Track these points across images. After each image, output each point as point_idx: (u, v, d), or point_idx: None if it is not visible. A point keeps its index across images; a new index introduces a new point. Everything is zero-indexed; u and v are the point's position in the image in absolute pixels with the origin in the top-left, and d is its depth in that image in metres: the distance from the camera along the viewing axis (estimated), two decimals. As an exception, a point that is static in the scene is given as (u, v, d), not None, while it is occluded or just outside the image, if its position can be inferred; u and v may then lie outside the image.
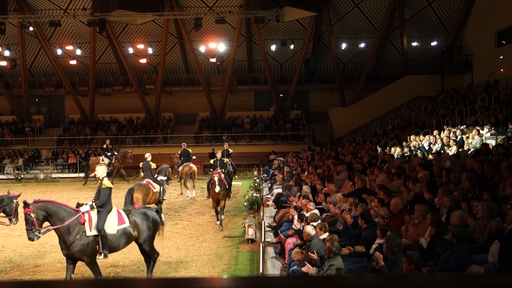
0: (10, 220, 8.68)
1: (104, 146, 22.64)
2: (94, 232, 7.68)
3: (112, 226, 7.93)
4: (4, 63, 29.55)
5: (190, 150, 19.07)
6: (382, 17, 27.95)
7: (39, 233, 7.44)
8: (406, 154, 16.01)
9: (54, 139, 30.64)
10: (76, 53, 29.13)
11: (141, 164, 13.88)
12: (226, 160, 16.97)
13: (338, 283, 1.06)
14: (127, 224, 8.09)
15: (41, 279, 8.77)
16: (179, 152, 18.92)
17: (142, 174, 14.33)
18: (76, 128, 31.28)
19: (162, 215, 13.70)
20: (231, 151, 18.99)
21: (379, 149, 18.54)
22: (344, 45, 29.09)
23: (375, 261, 6.14)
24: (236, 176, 19.43)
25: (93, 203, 7.90)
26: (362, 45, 29.24)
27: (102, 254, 7.76)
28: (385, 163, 13.27)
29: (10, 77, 31.73)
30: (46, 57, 30.52)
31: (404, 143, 18.56)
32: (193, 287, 0.95)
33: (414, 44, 29.27)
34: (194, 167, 18.46)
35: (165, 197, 13.94)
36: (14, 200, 8.74)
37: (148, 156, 14.02)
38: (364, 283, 1.10)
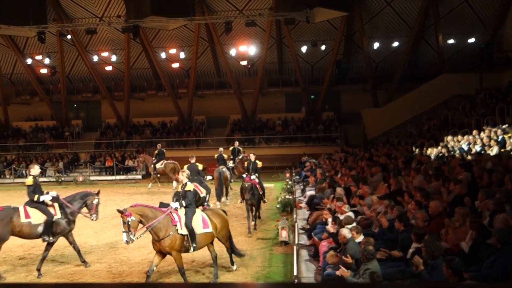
0: (91, 215, 10.20)
1: (231, 148, 21.64)
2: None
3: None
4: (45, 71, 30.70)
5: (164, 150, 22.77)
6: (416, 14, 27.31)
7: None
8: (444, 155, 15.56)
9: (91, 143, 31.53)
10: (112, 59, 29.86)
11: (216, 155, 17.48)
12: (253, 179, 12.94)
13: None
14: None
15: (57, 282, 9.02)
16: (155, 152, 22.45)
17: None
18: (112, 132, 32.04)
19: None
20: (259, 164, 13.92)
21: (416, 150, 18.11)
22: (376, 45, 28.58)
23: (415, 266, 5.98)
24: (265, 200, 14.15)
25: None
26: (396, 44, 28.65)
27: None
28: (422, 164, 12.93)
29: (50, 83, 32.84)
30: (83, 64, 31.43)
31: (441, 144, 18.04)
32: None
33: (450, 41, 28.41)
34: (177, 164, 21.00)
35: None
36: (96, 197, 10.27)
37: (221, 150, 18.54)
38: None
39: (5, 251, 11.28)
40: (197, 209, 8.88)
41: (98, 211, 10.25)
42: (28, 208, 9.49)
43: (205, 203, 13.10)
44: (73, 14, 28.90)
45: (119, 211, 8.01)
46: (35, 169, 10.13)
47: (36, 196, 9.58)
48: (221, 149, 19.00)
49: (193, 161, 13.70)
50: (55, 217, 9.61)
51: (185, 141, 30.52)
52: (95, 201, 10.16)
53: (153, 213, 8.22)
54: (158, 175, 22.04)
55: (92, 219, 10.18)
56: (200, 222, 8.61)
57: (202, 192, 12.90)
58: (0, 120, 33.12)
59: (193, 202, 8.77)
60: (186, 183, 8.72)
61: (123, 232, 7.96)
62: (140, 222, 8.06)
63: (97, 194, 10.32)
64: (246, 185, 12.64)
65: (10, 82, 33.46)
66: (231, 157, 20.72)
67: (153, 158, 22.49)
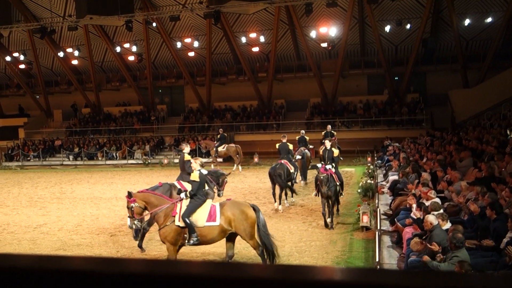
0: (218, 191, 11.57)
1: (323, 133, 21.26)
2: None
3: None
4: (132, 58, 32.54)
5: (226, 134, 24.67)
6: (514, -14, 24.95)
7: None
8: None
9: (175, 127, 32.95)
10: (194, 45, 30.83)
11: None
12: (329, 168, 11.46)
13: (464, 285, 0.84)
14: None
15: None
16: (218, 136, 24.39)
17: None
18: (195, 117, 33.23)
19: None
20: (336, 152, 12.69)
21: (511, 133, 16.74)
22: (467, 21, 26.58)
23: (508, 256, 5.58)
24: (342, 194, 12.69)
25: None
26: (489, 19, 26.44)
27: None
28: (518, 149, 11.94)
29: (137, 70, 34.75)
30: (168, 51, 32.79)
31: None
32: (306, 277, 0.88)
33: (554, 14, 25.63)
34: (239, 147, 23.37)
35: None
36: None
37: (303, 132, 18.99)
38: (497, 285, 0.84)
39: (98, 228, 12.30)
40: (208, 200, 8.23)
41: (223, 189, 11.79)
42: (182, 183, 10.43)
43: (293, 180, 14.30)
44: (157, 2, 30.17)
45: (127, 196, 8.30)
46: (188, 147, 11.84)
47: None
48: (302, 131, 19.33)
49: (284, 140, 14.77)
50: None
51: (264, 125, 30.85)
52: (225, 180, 11.85)
53: (158, 201, 8.25)
54: (219, 158, 24.32)
55: (218, 195, 11.50)
56: (205, 215, 7.94)
57: (292, 169, 13.94)
58: (94, 105, 35.74)
59: (198, 192, 8.05)
60: (193, 171, 8.20)
61: (127, 217, 8.46)
62: (145, 209, 8.24)
63: (228, 175, 12.08)
64: (322, 177, 10.89)
65: (101, 70, 35.95)
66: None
67: (215, 142, 24.30)
